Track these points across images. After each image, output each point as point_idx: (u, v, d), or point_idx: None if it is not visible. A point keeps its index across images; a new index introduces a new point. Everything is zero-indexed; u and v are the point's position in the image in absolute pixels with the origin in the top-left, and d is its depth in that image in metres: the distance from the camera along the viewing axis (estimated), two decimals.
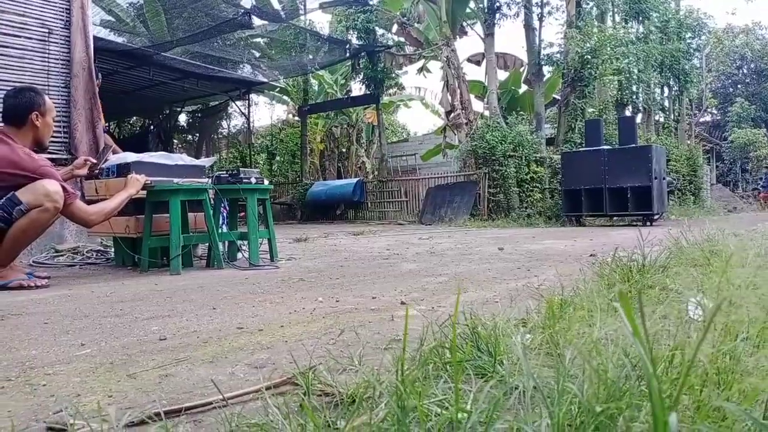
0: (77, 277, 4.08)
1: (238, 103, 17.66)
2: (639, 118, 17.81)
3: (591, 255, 4.61)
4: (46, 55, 5.38)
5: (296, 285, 3.30)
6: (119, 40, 12.71)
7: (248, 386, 1.32)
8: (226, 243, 4.77)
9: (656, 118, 18.97)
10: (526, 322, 1.71)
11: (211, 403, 1.17)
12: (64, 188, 3.38)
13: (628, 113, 16.79)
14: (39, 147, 3.59)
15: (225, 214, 4.98)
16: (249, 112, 17.10)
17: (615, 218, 11.92)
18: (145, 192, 4.11)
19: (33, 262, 4.78)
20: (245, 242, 4.56)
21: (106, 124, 7.25)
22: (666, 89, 19.39)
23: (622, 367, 0.84)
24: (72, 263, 4.85)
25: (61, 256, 5.02)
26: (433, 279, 3.39)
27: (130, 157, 4.36)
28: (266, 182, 4.66)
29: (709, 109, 34.76)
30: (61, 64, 5.47)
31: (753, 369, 0.74)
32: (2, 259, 3.35)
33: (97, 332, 2.08)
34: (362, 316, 2.28)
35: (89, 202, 4.15)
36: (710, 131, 34.07)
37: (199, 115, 20.29)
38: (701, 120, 32.30)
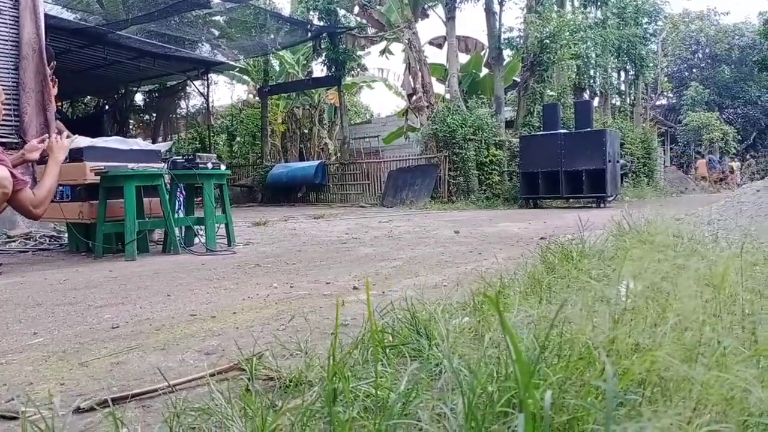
0: (30, 263, 4.04)
1: (197, 83, 17.33)
2: (596, 102, 18.20)
3: (541, 238, 4.76)
4: None
5: (252, 271, 3.35)
6: (72, 17, 12.30)
7: (198, 372, 1.38)
8: (183, 228, 4.76)
9: (613, 101, 19.41)
10: (465, 306, 1.81)
11: (158, 389, 1.23)
12: (12, 174, 3.33)
13: (586, 97, 17.14)
14: None
15: (182, 199, 4.96)
16: (208, 93, 16.79)
17: (571, 200, 12.25)
18: (98, 177, 4.07)
19: None
20: (202, 227, 4.56)
21: (59, 104, 7.06)
22: (623, 74, 19.83)
23: (531, 350, 0.94)
24: (24, 249, 4.77)
25: (14, 242, 4.94)
26: (387, 263, 3.48)
27: (83, 141, 4.30)
28: (223, 167, 4.66)
29: (664, 93, 35.69)
30: (10, 46, 5.31)
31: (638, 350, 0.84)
32: None
33: (50, 321, 2.10)
34: (315, 301, 2.35)
35: None
36: (665, 114, 34.99)
37: (157, 95, 19.82)
38: (657, 104, 33.17)
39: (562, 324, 0.98)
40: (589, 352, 0.76)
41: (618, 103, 19.92)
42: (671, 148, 32.99)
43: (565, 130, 11.95)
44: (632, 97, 20.30)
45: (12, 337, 1.86)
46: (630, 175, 16.93)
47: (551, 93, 15.40)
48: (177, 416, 0.99)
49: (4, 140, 5.00)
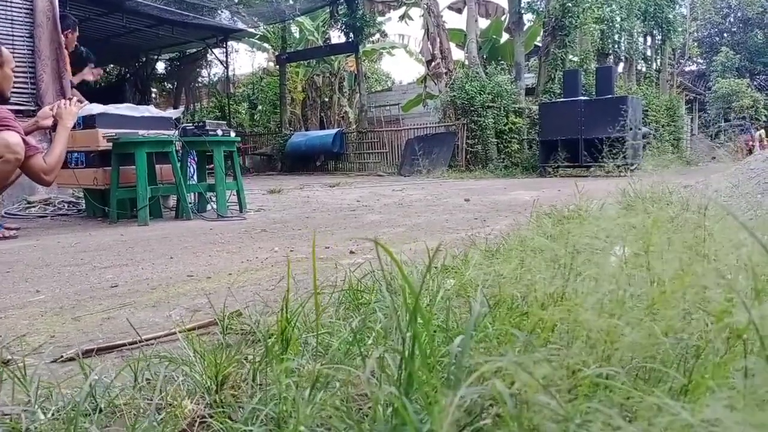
0: (47, 228, 4.17)
1: (217, 51, 17.32)
2: (621, 68, 17.77)
3: (551, 206, 4.75)
4: (8, 4, 5.28)
5: (257, 236, 3.42)
6: None
7: (180, 327, 1.45)
8: (196, 194, 4.85)
9: (638, 67, 18.93)
10: (448, 268, 1.85)
11: (137, 342, 1.30)
12: (25, 141, 3.42)
13: (610, 63, 16.75)
14: (0, 98, 3.60)
15: (194, 166, 5.04)
16: (227, 61, 16.79)
17: (591, 168, 12.10)
18: (111, 144, 4.16)
19: (4, 213, 4.83)
20: (215, 194, 4.64)
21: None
22: (649, 38, 19.29)
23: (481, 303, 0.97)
24: (43, 214, 4.91)
25: (33, 207, 5.08)
26: (391, 230, 3.52)
27: (96, 109, 4.38)
28: (233, 134, 4.70)
29: (693, 59, 34.63)
30: (25, 14, 5.38)
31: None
32: None
33: (54, 280, 2.19)
34: (309, 264, 2.41)
35: None
36: (694, 81, 34.02)
37: (177, 63, 19.87)
38: (686, 69, 32.22)
39: (513, 281, 1.01)
40: (516, 304, 0.79)
41: (644, 69, 19.42)
42: (699, 116, 32.15)
43: (585, 97, 11.74)
44: (658, 63, 19.77)
45: (16, 295, 1.95)
46: (654, 143, 16.61)
47: (573, 58, 15.09)
48: (146, 362, 1.06)
49: (21, 108, 5.11)
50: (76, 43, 5.73)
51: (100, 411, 0.96)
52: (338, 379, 0.91)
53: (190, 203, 4.62)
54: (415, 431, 0.42)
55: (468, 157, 12.79)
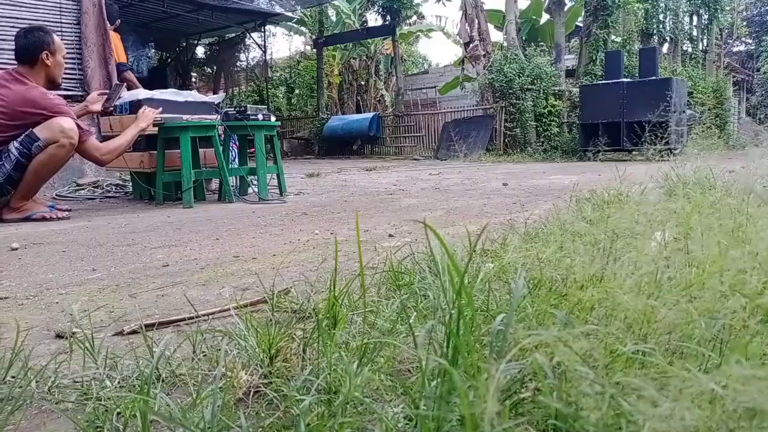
0: (97, 209, 4.34)
1: (255, 35, 17.49)
2: (665, 49, 17.25)
3: (590, 190, 4.71)
4: None
5: (298, 219, 3.50)
6: None
7: (232, 305, 1.53)
8: (237, 178, 4.97)
9: (683, 48, 18.33)
10: (487, 252, 1.88)
11: (193, 317, 1.37)
12: (78, 126, 3.57)
13: (654, 43, 16.28)
14: (52, 85, 3.75)
15: (235, 150, 5.16)
16: (265, 45, 16.94)
17: (633, 152, 11.84)
18: (156, 128, 4.29)
19: (56, 195, 5.04)
20: (256, 177, 4.75)
21: (130, 61, 7.34)
22: (695, 18, 18.63)
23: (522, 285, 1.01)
24: (92, 197, 5.11)
25: (82, 189, 5.28)
26: (428, 214, 3.56)
27: (142, 93, 4.51)
28: (273, 119, 4.79)
29: (742, 39, 33.33)
30: (72, 1, 5.55)
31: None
32: (25, 192, 3.59)
33: (108, 259, 2.31)
34: (350, 246, 2.47)
35: (105, 138, 4.36)
36: (743, 62, 32.75)
37: (217, 48, 20.15)
38: (733, 50, 31.05)
39: (552, 264, 1.05)
40: (555, 286, 0.82)
41: (689, 50, 18.80)
42: (747, 98, 31.00)
43: (628, 79, 11.46)
44: (705, 43, 19.10)
45: (74, 273, 2.06)
46: (699, 126, 16.13)
47: (616, 39, 14.70)
48: (201, 334, 1.13)
49: (69, 93, 5.29)
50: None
51: (163, 380, 1.04)
52: (383, 355, 0.96)
53: (232, 186, 4.73)
54: (464, 396, 0.46)
55: (506, 140, 12.67)
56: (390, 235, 2.73)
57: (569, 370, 0.52)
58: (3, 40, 5.07)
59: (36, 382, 1.03)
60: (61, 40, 3.90)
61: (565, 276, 0.86)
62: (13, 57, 3.66)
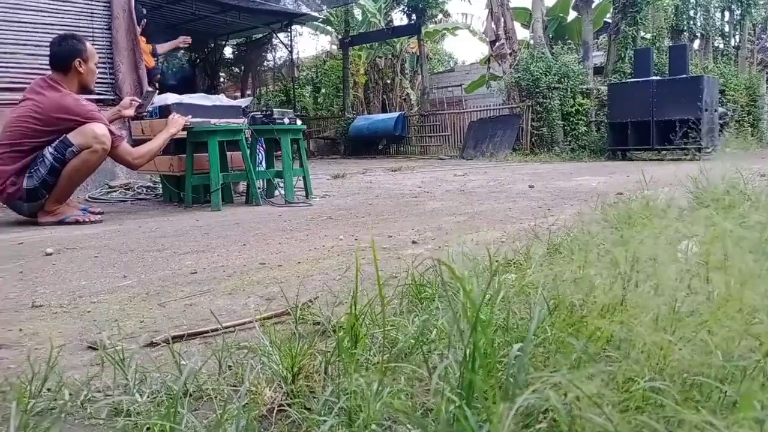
0: (128, 212, 4.44)
1: (281, 35, 17.65)
2: (696, 45, 16.91)
3: (618, 194, 4.65)
4: None
5: (323, 223, 3.53)
6: None
7: (257, 315, 1.56)
8: (264, 180, 5.03)
9: (715, 44, 17.94)
10: (510, 262, 1.88)
11: (218, 329, 1.41)
12: (111, 131, 3.66)
13: (684, 40, 15.97)
14: (85, 91, 3.85)
15: (262, 153, 5.22)
16: (291, 45, 17.08)
17: (663, 152, 11.64)
18: (185, 132, 4.37)
19: (88, 197, 5.17)
20: (282, 180, 4.80)
21: (159, 65, 7.49)
22: (727, 13, 18.21)
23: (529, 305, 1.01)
24: (124, 199, 5.22)
25: (114, 191, 5.41)
26: (452, 218, 3.56)
27: (171, 98, 4.60)
28: (299, 122, 4.84)
29: None
30: (103, 7, 5.68)
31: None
32: (59, 196, 3.70)
33: (139, 265, 2.36)
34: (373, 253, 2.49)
35: (136, 142, 4.46)
36: None
37: (244, 48, 20.39)
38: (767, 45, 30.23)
39: (573, 284, 1.05)
40: (574, 311, 0.83)
41: (721, 46, 18.39)
42: None
43: (657, 77, 11.26)
44: (737, 40, 18.65)
45: (105, 279, 2.12)
46: (732, 124, 15.77)
47: (645, 36, 14.45)
48: (227, 350, 1.16)
49: (101, 97, 5.41)
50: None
51: (190, 395, 1.07)
52: (404, 373, 0.98)
53: (259, 188, 4.80)
54: None
55: (533, 139, 12.56)
56: (413, 242, 2.74)
57: (581, 410, 0.53)
58: (37, 46, 5.22)
59: (69, 395, 1.07)
60: (93, 45, 3.99)
61: (585, 301, 0.86)
62: (47, 63, 3.76)
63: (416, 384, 0.95)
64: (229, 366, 1.18)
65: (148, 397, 1.06)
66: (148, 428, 0.93)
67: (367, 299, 1.20)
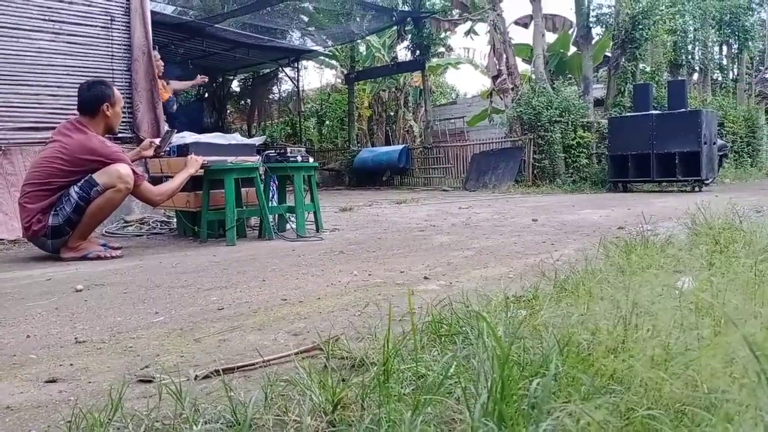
0: (145, 247, 4.59)
1: (288, 69, 18.05)
2: (695, 78, 17.25)
3: (619, 228, 4.80)
4: (109, 41, 5.84)
5: (336, 258, 3.67)
6: (170, 9, 13.22)
7: (287, 350, 1.69)
8: (276, 215, 5.19)
9: (713, 77, 18.29)
10: (519, 299, 2.02)
11: (255, 363, 1.54)
12: (134, 171, 3.84)
13: (683, 74, 16.31)
14: (110, 133, 4.05)
15: (274, 189, 5.39)
16: (298, 81, 17.47)
17: (663, 184, 11.82)
18: (202, 170, 4.54)
19: (105, 232, 5.33)
20: (293, 215, 4.96)
21: (174, 97, 7.82)
22: (725, 47, 18.62)
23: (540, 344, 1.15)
24: (140, 233, 5.38)
25: (130, 226, 5.57)
26: (460, 253, 3.70)
27: (189, 138, 4.79)
28: (311, 160, 5.02)
29: None
30: (123, 49, 5.92)
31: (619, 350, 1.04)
32: (82, 233, 3.86)
33: (167, 302, 2.50)
34: (388, 289, 2.63)
35: (154, 179, 4.63)
36: None
37: (251, 82, 20.81)
38: (766, 77, 30.68)
39: (580, 325, 1.19)
40: (581, 350, 0.96)
41: (719, 79, 18.75)
42: None
43: (657, 111, 11.52)
44: (735, 72, 19.03)
45: (138, 316, 2.26)
46: (732, 155, 15.99)
47: (646, 69, 14.78)
48: (270, 385, 1.29)
49: (120, 135, 5.61)
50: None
51: (239, 424, 1.20)
52: (434, 404, 1.11)
53: (272, 223, 4.95)
54: None
55: (535, 172, 12.76)
56: (425, 278, 2.88)
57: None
58: (60, 87, 5.44)
59: (131, 424, 1.21)
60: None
61: (591, 341, 1.00)
62: (70, 103, 3.97)
63: (444, 411, 1.08)
64: (271, 398, 1.31)
65: (202, 426, 1.19)
66: None
67: (400, 343, 1.33)
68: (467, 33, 18.35)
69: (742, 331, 0.69)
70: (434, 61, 19.75)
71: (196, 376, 1.50)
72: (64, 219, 3.77)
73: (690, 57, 16.53)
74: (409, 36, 15.94)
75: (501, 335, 0.94)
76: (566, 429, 0.66)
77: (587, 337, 1.03)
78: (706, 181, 10.97)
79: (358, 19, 15.88)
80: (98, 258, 3.84)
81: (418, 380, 1.26)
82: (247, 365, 1.55)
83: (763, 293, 1.16)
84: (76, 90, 3.97)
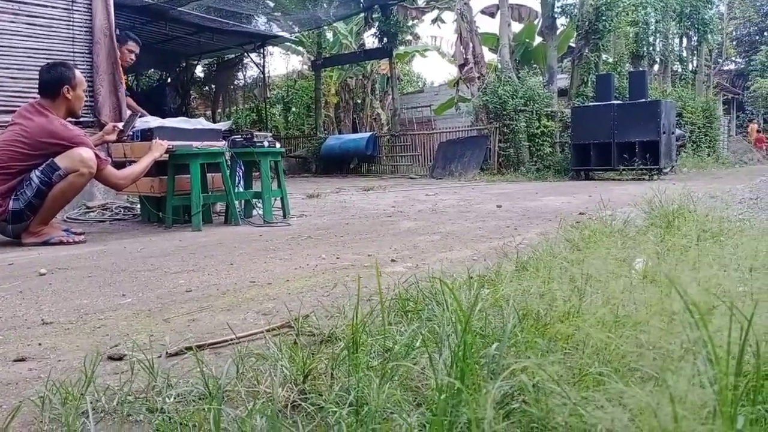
0: (109, 233, 4.52)
1: (253, 55, 17.83)
2: (656, 69, 17.67)
3: (580, 213, 4.93)
4: (70, 24, 5.69)
5: (304, 242, 3.70)
6: None
7: (257, 329, 1.72)
8: (242, 201, 5.17)
9: (674, 68, 18.77)
10: (483, 279, 2.09)
11: (226, 340, 1.57)
12: (96, 155, 3.78)
13: (644, 65, 16.69)
14: (72, 116, 3.97)
15: (241, 174, 5.36)
16: (264, 67, 17.27)
17: (624, 172, 12.15)
18: (167, 155, 4.49)
19: (67, 218, 5.23)
20: (260, 200, 4.95)
21: (128, 80, 7.64)
22: (685, 39, 19.11)
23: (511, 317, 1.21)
24: (102, 219, 5.30)
25: (92, 212, 5.47)
26: (426, 237, 3.76)
27: (153, 122, 4.73)
28: (278, 145, 5.01)
29: (732, 58, 33.95)
30: (84, 32, 5.78)
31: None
32: (44, 218, 3.79)
33: (134, 284, 2.50)
34: (356, 271, 2.67)
35: (117, 164, 4.56)
36: (732, 81, 33.37)
37: (215, 68, 20.49)
38: (724, 68, 31.64)
39: (538, 297, 1.25)
40: (540, 319, 1.03)
41: (679, 70, 19.25)
42: (738, 116, 31.53)
43: (618, 101, 11.80)
44: (694, 64, 19.57)
45: (105, 298, 2.25)
46: (690, 145, 16.48)
47: (608, 59, 15.07)
48: (242, 359, 1.33)
49: (81, 120, 5.50)
50: (132, 56, 6.13)
51: (212, 396, 1.23)
52: (400, 374, 1.16)
53: (238, 209, 4.93)
54: (472, 404, 0.65)
55: (500, 160, 12.95)
56: (393, 260, 2.93)
57: (546, 387, 0.72)
58: (20, 69, 5.29)
59: (104, 397, 1.23)
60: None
61: (548, 310, 1.06)
62: (30, 86, 3.88)
63: (409, 381, 1.14)
64: (242, 371, 1.34)
65: (175, 399, 1.21)
66: (182, 423, 1.10)
67: (368, 315, 1.38)
68: (434, 21, 18.41)
69: (679, 290, 0.76)
70: (401, 48, 19.74)
71: (167, 352, 1.52)
72: (25, 204, 3.69)
73: (651, 48, 16.91)
74: (377, 23, 15.91)
75: (463, 304, 1.00)
76: (522, 384, 0.71)
77: (545, 308, 1.10)
78: (665, 170, 11.32)
79: (325, 5, 15.77)
80: (60, 243, 3.78)
81: (385, 353, 1.31)
82: (218, 342, 1.58)
83: (703, 263, 1.24)
84: (37, 73, 3.88)
